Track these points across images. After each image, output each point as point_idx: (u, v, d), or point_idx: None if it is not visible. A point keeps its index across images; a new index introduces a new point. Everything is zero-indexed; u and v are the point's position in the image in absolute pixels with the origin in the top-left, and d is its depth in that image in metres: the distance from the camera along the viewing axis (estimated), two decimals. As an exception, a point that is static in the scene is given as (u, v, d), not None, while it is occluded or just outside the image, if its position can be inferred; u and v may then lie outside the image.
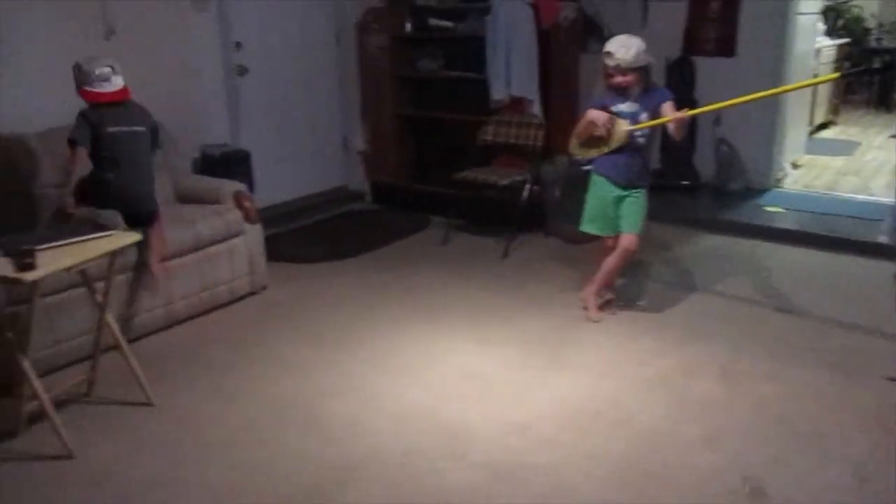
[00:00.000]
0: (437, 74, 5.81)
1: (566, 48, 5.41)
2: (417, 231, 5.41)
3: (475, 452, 2.73)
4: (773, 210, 5.34)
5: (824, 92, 7.74)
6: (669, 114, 3.48)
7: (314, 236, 5.35)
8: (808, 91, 6.77)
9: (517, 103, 5.19)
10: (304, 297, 4.26)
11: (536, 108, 5.17)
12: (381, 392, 3.20)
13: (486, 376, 3.31)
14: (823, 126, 8.10)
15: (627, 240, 3.69)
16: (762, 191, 5.71)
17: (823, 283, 4.23)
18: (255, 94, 5.42)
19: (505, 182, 4.86)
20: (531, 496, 2.50)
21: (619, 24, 5.97)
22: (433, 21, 5.74)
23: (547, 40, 5.20)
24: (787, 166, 6.15)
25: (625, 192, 3.69)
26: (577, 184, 5.14)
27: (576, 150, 3.84)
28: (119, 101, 3.48)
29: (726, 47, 5.49)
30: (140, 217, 3.54)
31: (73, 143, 3.37)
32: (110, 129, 3.42)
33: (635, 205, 3.70)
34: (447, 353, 3.54)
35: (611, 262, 3.78)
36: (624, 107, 3.60)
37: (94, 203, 3.45)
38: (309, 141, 5.96)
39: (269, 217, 5.19)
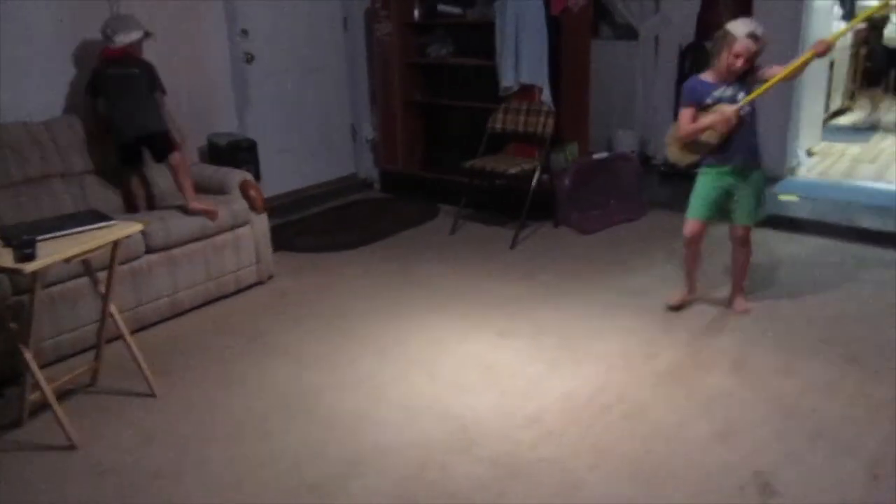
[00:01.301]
0: (446, 61, 5.74)
1: (577, 34, 5.32)
2: (426, 220, 5.37)
3: (482, 446, 2.70)
4: (786, 198, 5.25)
5: (840, 77, 7.61)
6: (772, 74, 3.26)
7: (322, 225, 5.31)
8: (824, 76, 6.65)
9: (527, 91, 5.12)
10: (310, 287, 4.24)
11: (546, 96, 5.10)
12: (388, 383, 3.16)
13: (493, 368, 3.27)
14: (839, 112, 7.97)
15: (744, 232, 3.58)
16: (776, 179, 5.62)
17: (837, 274, 4.16)
18: (261, 82, 5.38)
19: (514, 171, 4.80)
20: (537, 491, 2.46)
21: (632, 10, 5.92)
22: (442, 7, 5.67)
23: (557, 26, 5.11)
24: (802, 154, 6.05)
25: (738, 179, 3.47)
26: (587, 173, 5.11)
27: (678, 156, 3.58)
28: (119, 56, 3.86)
29: (740, 33, 5.38)
30: (150, 144, 3.93)
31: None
32: (109, 72, 3.86)
33: (752, 193, 3.51)
34: (455, 345, 3.50)
35: (739, 259, 3.68)
36: (718, 93, 3.37)
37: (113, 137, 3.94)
38: (317, 129, 5.92)
39: (277, 206, 5.18)
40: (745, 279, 3.76)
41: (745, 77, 3.36)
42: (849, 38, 7.49)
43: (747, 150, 3.47)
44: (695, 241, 3.63)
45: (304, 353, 3.46)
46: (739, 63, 3.29)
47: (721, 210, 3.58)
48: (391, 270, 4.44)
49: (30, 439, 2.83)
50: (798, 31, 5.33)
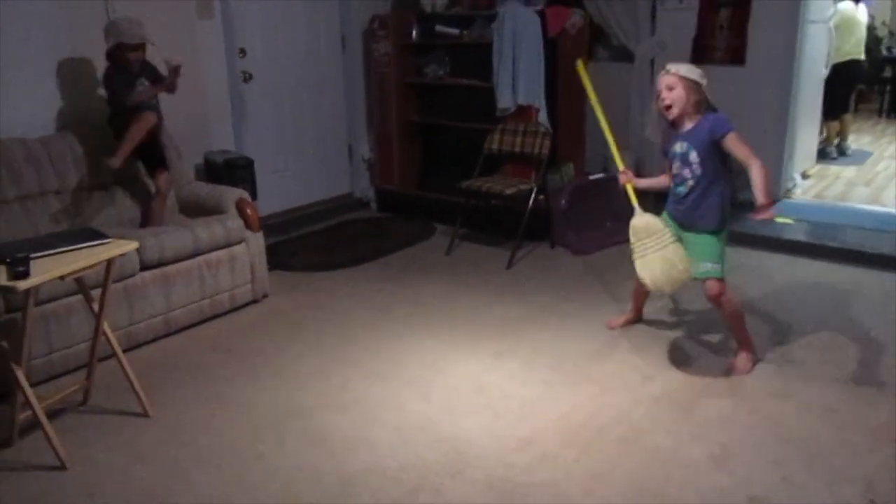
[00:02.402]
0: (443, 82, 5.77)
1: (573, 56, 5.34)
2: (422, 240, 5.37)
3: (475, 468, 2.67)
4: (782, 221, 5.26)
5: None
6: (741, 150, 3.07)
7: (318, 244, 5.31)
8: (819, 99, 6.68)
9: (524, 111, 5.14)
10: (306, 306, 4.22)
11: (543, 117, 5.12)
12: (382, 404, 3.14)
13: (488, 389, 3.25)
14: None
15: (705, 287, 3.25)
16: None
17: (834, 297, 4.16)
18: (259, 101, 5.40)
19: (510, 191, 4.81)
20: (532, 515, 2.44)
21: (628, 33, 5.95)
22: (440, 28, 5.70)
23: (554, 48, 5.15)
24: (797, 176, 6.08)
25: (682, 230, 3.28)
26: (584, 194, 5.12)
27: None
28: None
29: (736, 56, 5.42)
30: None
31: None
32: None
33: (695, 251, 3.22)
34: (450, 365, 3.48)
35: (725, 318, 3.40)
36: (676, 147, 3.19)
37: None
38: (314, 148, 5.93)
39: (273, 225, 5.17)
40: (739, 337, 3.38)
41: (697, 133, 3.14)
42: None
43: (693, 211, 3.24)
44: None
45: (297, 373, 3.44)
46: (664, 100, 3.13)
47: None
48: (386, 290, 4.43)
49: (19, 459, 2.79)
50: (792, 55, 5.37)
